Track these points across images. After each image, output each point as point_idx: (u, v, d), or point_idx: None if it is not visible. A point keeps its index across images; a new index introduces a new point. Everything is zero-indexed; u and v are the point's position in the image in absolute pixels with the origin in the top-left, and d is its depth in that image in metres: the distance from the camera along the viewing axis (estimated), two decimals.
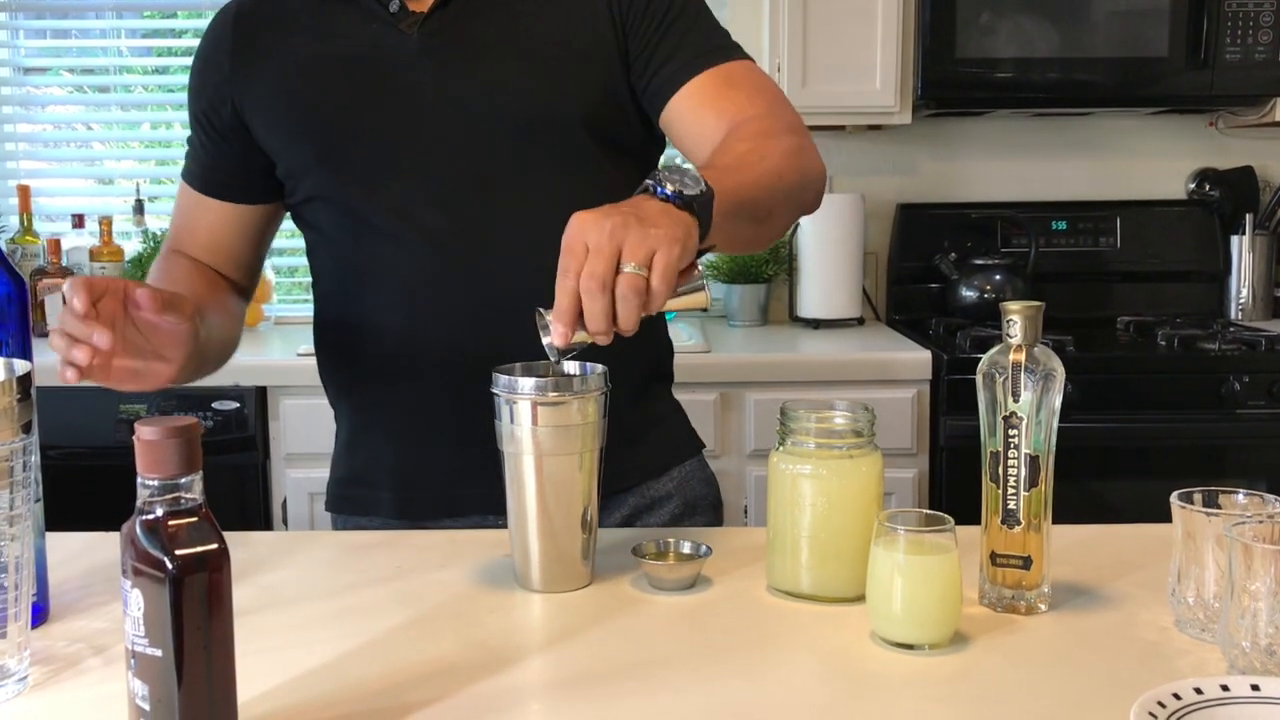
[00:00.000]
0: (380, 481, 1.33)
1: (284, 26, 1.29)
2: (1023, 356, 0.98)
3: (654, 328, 1.40)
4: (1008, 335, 1.00)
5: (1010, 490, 0.99)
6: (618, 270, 0.92)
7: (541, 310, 0.99)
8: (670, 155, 1.78)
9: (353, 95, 1.26)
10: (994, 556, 1.00)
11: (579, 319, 0.93)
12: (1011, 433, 0.98)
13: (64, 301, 1.03)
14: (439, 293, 1.26)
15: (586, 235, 0.93)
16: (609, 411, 1.06)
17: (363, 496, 1.34)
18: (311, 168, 1.28)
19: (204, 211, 1.37)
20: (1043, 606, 0.99)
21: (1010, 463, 0.99)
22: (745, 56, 1.30)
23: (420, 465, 1.30)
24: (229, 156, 1.33)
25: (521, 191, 1.25)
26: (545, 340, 0.99)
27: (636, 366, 1.31)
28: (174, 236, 1.39)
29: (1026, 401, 0.97)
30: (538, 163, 1.25)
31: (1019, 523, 0.99)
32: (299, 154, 1.29)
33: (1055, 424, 0.99)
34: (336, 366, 1.37)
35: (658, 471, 1.34)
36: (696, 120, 1.25)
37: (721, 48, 1.29)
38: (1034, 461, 0.98)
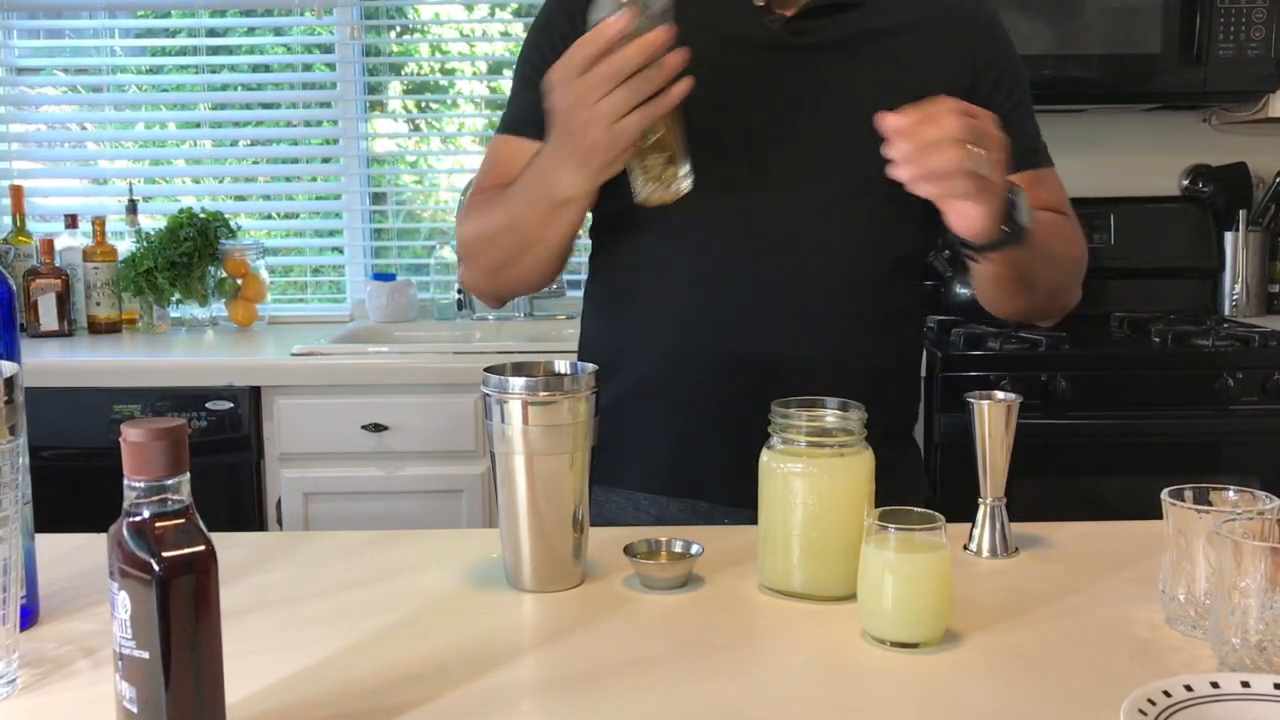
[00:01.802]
0: (632, 454, 1.33)
1: None
2: None
3: (913, 377, 1.44)
4: None
5: None
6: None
7: None
8: None
9: (702, 71, 1.14)
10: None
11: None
12: None
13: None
14: (718, 285, 1.28)
15: (983, 119, 1.06)
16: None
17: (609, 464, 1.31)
18: None
19: (525, 154, 1.29)
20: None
21: None
22: (1051, 163, 1.39)
23: (678, 447, 1.32)
24: None
25: (819, 215, 1.28)
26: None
27: (892, 410, 1.35)
28: (488, 181, 1.35)
29: None
30: (845, 191, 1.28)
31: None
32: None
33: None
34: (606, 336, 1.38)
35: None
36: None
37: (1042, 150, 1.39)
38: None
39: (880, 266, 1.33)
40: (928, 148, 1.04)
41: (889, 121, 1.05)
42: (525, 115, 1.32)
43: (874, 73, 1.29)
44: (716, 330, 1.29)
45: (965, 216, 1.13)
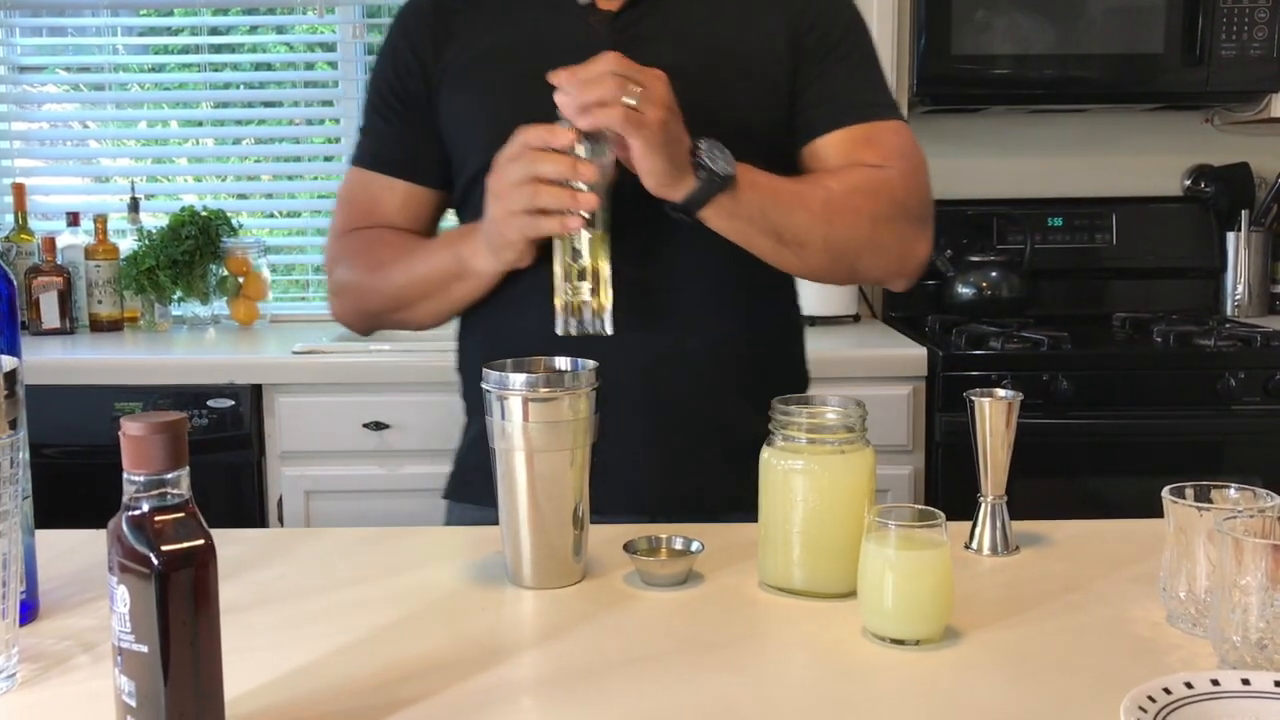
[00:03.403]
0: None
1: (478, 10, 1.33)
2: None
3: (796, 364, 1.43)
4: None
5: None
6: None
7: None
8: None
9: (536, 85, 1.22)
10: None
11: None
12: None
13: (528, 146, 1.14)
14: None
15: (653, 73, 1.13)
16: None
17: (483, 485, 1.31)
18: (479, 149, 1.28)
19: (379, 191, 1.38)
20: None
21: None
22: (898, 117, 1.33)
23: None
24: (411, 135, 1.36)
25: None
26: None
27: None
28: (350, 220, 1.40)
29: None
30: None
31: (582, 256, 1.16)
32: (476, 138, 1.30)
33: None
34: (476, 364, 1.36)
35: None
36: (830, 168, 1.30)
37: (874, 104, 1.32)
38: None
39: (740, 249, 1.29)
40: (585, 84, 1.11)
41: (556, 74, 1.13)
42: (374, 148, 1.40)
43: (700, 55, 1.29)
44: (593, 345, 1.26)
45: (642, 167, 1.14)
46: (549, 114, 1.17)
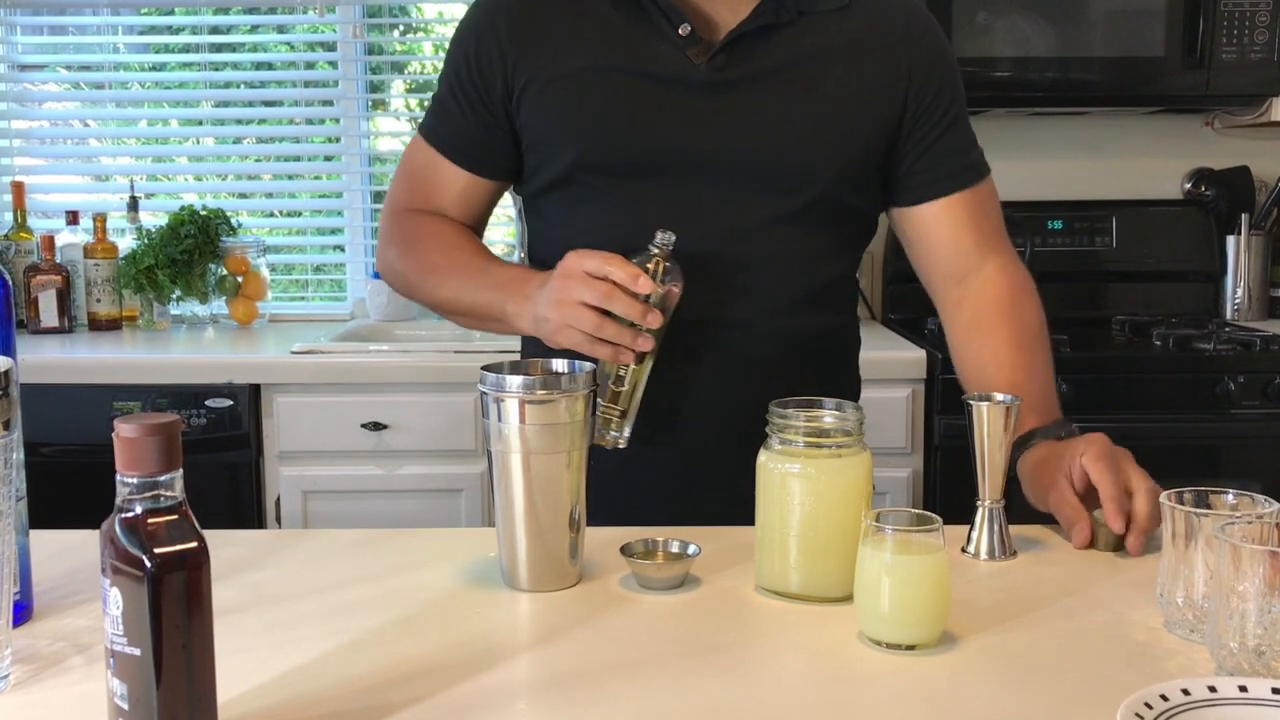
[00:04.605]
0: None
1: (575, 21, 1.30)
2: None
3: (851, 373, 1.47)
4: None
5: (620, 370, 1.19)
6: None
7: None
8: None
9: (629, 107, 1.28)
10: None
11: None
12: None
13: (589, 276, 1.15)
14: None
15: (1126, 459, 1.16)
16: None
17: None
18: (566, 164, 1.30)
19: (442, 176, 1.39)
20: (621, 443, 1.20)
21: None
22: (989, 170, 1.40)
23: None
24: (483, 129, 1.35)
25: (754, 237, 1.29)
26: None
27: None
28: (410, 197, 1.41)
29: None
30: (778, 213, 1.29)
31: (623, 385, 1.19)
32: (561, 148, 1.30)
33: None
34: (530, 349, 1.38)
35: None
36: (952, 235, 1.37)
37: (978, 165, 1.39)
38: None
39: (809, 291, 1.33)
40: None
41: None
42: (445, 131, 1.38)
43: (798, 102, 1.28)
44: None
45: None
46: (635, 139, 1.23)
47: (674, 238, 1.17)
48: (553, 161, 1.32)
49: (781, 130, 1.28)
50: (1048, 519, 1.21)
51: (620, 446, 1.22)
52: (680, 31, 1.27)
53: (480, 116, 1.34)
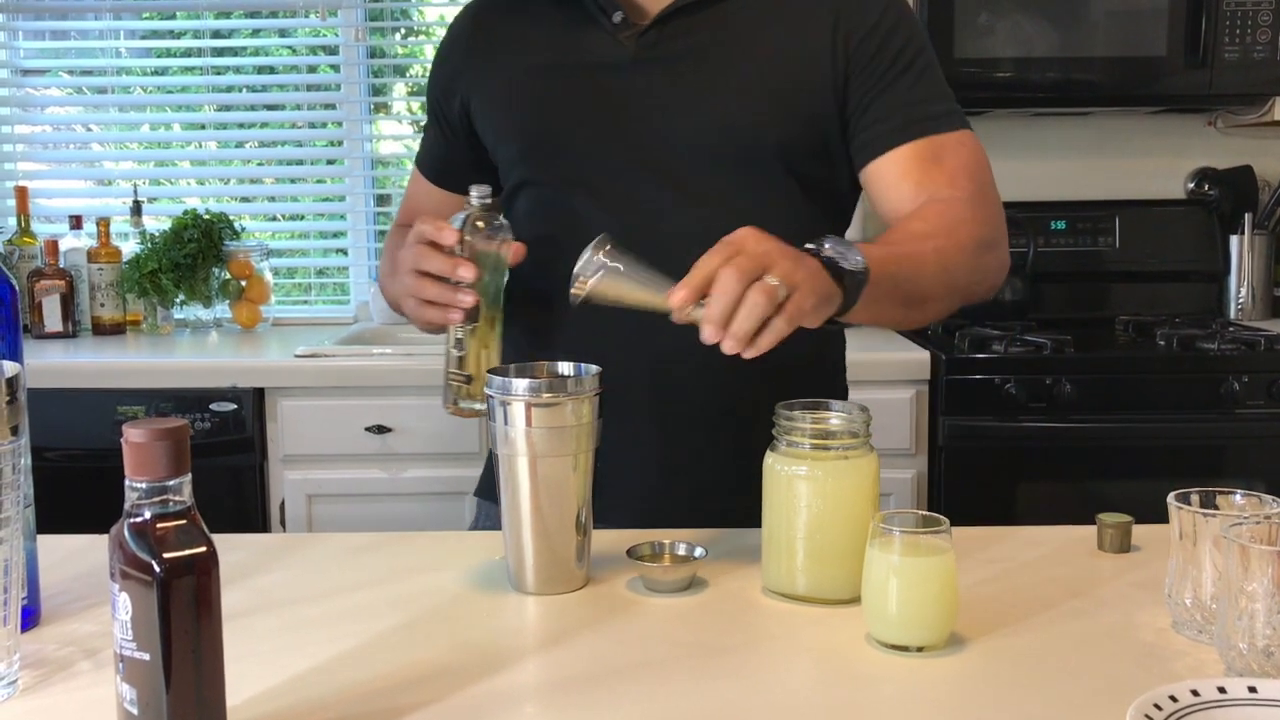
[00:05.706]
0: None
1: (519, 27, 1.35)
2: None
3: (834, 370, 1.43)
4: None
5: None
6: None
7: (610, 248, 1.03)
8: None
9: (563, 100, 1.30)
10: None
11: (699, 298, 0.95)
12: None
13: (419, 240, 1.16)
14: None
15: (747, 241, 0.97)
16: None
17: None
18: (516, 164, 1.34)
19: (421, 192, 1.48)
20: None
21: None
22: (963, 125, 1.29)
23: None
24: (457, 150, 1.41)
25: (710, 214, 1.21)
26: (594, 276, 1.03)
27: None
28: (402, 215, 1.52)
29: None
30: (730, 188, 1.26)
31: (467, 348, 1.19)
32: (508, 150, 1.35)
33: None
34: (519, 351, 1.36)
35: None
36: (896, 189, 1.25)
37: (938, 115, 1.27)
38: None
39: None
40: (726, 314, 0.94)
41: (674, 294, 0.97)
42: (422, 151, 1.50)
43: (732, 72, 1.26)
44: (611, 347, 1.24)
45: (804, 323, 1.01)
46: (573, 130, 1.22)
47: (490, 190, 1.19)
48: (507, 165, 1.36)
49: (717, 100, 1.25)
50: (1053, 518, 1.21)
51: (468, 412, 1.22)
52: (614, 19, 1.28)
53: (444, 134, 1.42)
